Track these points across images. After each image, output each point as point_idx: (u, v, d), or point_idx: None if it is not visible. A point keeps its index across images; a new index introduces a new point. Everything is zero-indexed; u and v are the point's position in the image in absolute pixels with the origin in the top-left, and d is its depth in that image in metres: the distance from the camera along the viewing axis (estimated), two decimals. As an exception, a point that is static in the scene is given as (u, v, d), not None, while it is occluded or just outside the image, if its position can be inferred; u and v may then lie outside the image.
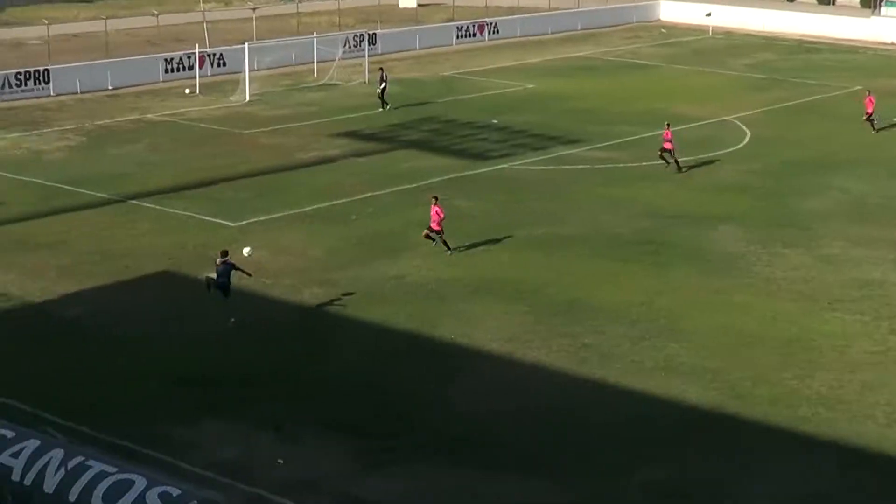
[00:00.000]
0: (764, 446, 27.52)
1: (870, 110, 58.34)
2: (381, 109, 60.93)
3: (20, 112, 59.76)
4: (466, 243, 40.52)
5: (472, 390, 30.03)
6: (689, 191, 47.38)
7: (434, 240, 39.50)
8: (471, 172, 49.76)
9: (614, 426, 28.42)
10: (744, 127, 59.39)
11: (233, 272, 33.57)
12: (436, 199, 39.83)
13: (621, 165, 51.36)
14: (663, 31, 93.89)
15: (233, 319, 33.32)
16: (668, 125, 50.18)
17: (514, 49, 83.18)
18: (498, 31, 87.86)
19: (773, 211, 45.19)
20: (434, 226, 39.39)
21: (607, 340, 32.91)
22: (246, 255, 34.73)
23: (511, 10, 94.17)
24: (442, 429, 28.08)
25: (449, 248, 39.36)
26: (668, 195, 46.75)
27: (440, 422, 28.42)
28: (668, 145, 49.71)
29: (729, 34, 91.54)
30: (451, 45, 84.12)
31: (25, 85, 63.39)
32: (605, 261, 39.34)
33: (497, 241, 41.02)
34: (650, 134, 56.88)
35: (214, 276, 33.50)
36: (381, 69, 62.91)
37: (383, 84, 61.47)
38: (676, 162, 49.94)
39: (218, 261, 33.63)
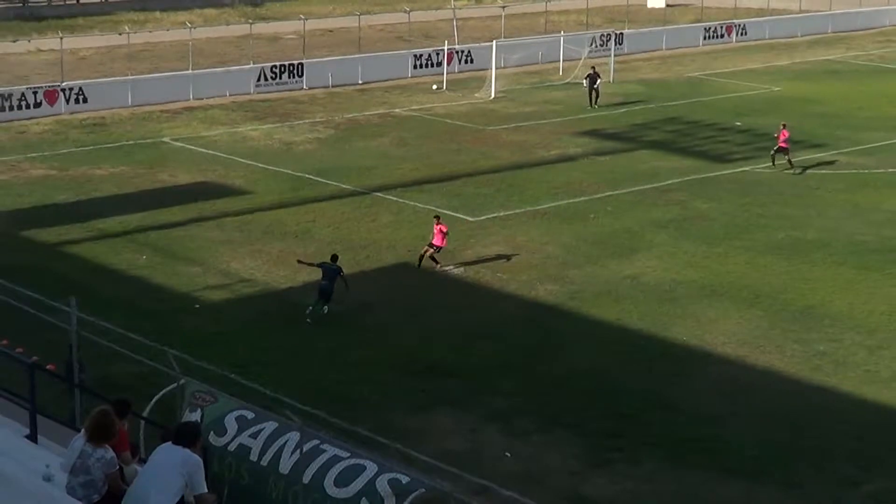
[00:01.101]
0: None
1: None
2: (591, 106, 61.10)
3: (274, 104, 61.36)
4: (703, 245, 40.10)
5: (702, 393, 29.73)
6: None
7: (437, 262, 37.57)
8: (712, 174, 49.19)
9: (847, 435, 27.78)
10: None
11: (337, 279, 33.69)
12: (438, 218, 38.03)
13: (866, 171, 50.11)
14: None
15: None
16: (783, 125, 49.44)
17: (761, 51, 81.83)
18: (746, 33, 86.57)
19: None
20: (438, 242, 37.35)
21: (843, 348, 32.20)
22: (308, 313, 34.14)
23: (760, 12, 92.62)
24: (670, 430, 27.87)
25: (419, 265, 37.51)
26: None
27: (668, 423, 28.22)
28: (783, 144, 49.01)
29: None
30: (699, 45, 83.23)
31: (280, 78, 65.08)
32: (846, 268, 38.46)
33: (735, 243, 40.47)
34: (898, 140, 55.60)
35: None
36: (594, 68, 62.85)
37: (596, 83, 61.45)
38: (789, 161, 49.20)
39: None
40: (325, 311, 33.67)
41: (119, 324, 25.09)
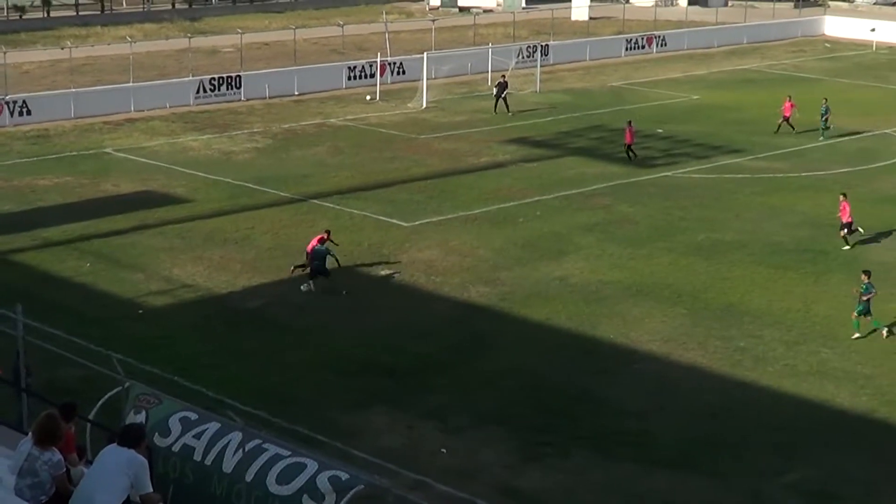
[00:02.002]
0: (914, 452, 26.90)
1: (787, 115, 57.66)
2: (495, 112, 61.57)
3: (213, 115, 61.00)
4: (628, 247, 40.31)
5: (628, 388, 29.86)
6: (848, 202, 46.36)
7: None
8: (635, 179, 49.42)
9: (767, 427, 28.03)
10: (905, 140, 58.07)
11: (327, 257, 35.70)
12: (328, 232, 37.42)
13: (781, 175, 50.54)
14: (827, 45, 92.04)
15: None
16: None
17: (680, 61, 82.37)
18: (666, 44, 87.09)
19: (931, 222, 44.09)
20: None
21: (762, 344, 32.46)
22: (303, 290, 35.63)
23: (679, 24, 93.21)
24: (599, 425, 28.00)
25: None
26: (828, 205, 45.70)
27: (597, 418, 28.34)
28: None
29: (893, 49, 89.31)
30: (621, 56, 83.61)
31: (219, 90, 64.69)
32: (764, 268, 38.78)
33: (658, 245, 40.71)
34: (812, 145, 56.04)
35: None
36: (503, 76, 63.28)
37: (504, 91, 61.94)
38: (631, 154, 51.98)
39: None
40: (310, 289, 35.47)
41: (64, 329, 24.83)
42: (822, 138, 57.04)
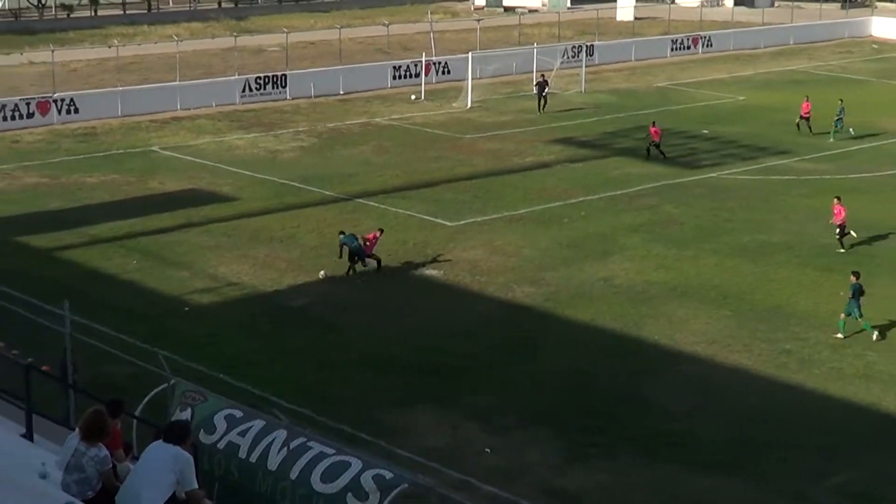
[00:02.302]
0: (962, 457, 26.64)
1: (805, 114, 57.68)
2: (539, 112, 61.68)
3: (259, 114, 61.18)
4: (674, 248, 40.13)
5: (673, 390, 29.72)
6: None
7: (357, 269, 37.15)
8: (680, 180, 49.19)
9: (812, 430, 27.82)
10: (953, 142, 57.53)
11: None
12: (381, 231, 37.95)
13: (828, 177, 50.18)
14: (875, 46, 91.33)
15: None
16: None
17: (726, 62, 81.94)
18: (711, 45, 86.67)
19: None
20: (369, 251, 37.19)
21: (808, 347, 32.22)
22: (321, 276, 36.60)
23: (725, 25, 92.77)
24: (644, 425, 27.87)
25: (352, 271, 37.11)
26: (875, 207, 45.48)
27: (642, 419, 28.21)
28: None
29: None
30: (666, 56, 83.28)
31: (264, 89, 64.88)
32: (810, 269, 38.50)
33: (704, 246, 40.48)
34: (858, 147, 55.63)
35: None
36: (543, 75, 63.48)
37: (545, 90, 62.18)
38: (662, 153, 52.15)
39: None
40: (366, 267, 36.95)
41: (111, 326, 24.96)
42: (831, 139, 56.70)
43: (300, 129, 58.08)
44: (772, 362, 31.26)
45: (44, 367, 23.01)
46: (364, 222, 42.28)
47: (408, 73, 70.09)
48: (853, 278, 33.02)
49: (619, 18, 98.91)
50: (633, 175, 49.85)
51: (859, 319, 32.73)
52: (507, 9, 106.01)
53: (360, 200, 45.21)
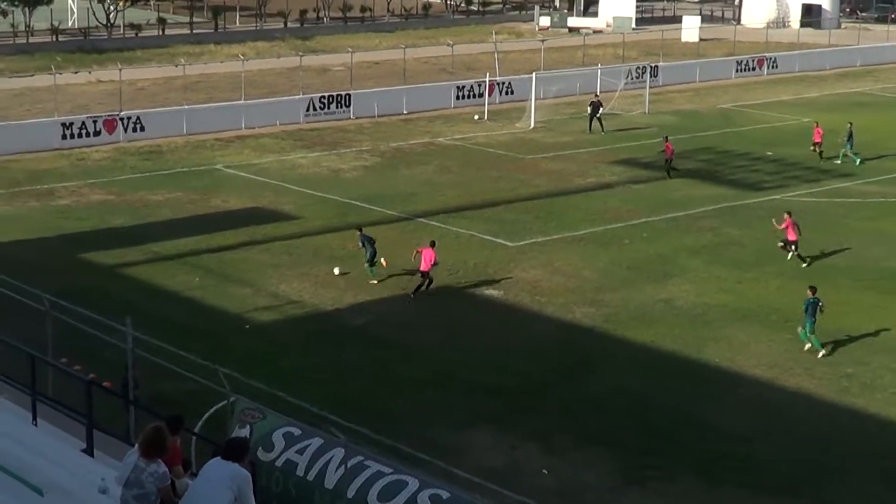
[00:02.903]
0: None
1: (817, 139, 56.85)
2: (590, 132, 61.92)
3: (323, 133, 61.55)
4: (735, 270, 39.93)
5: (733, 413, 29.54)
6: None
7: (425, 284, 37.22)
8: (743, 202, 48.96)
9: (874, 455, 27.54)
10: None
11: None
12: (433, 243, 37.89)
13: (893, 200, 49.75)
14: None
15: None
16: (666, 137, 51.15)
17: (791, 83, 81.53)
18: (777, 66, 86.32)
19: None
20: (424, 268, 36.98)
21: (870, 371, 31.93)
22: (336, 273, 38.66)
23: (790, 46, 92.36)
24: (704, 448, 27.72)
25: (415, 294, 37.05)
26: (940, 231, 45.12)
27: (702, 441, 28.06)
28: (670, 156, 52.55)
29: None
30: (731, 78, 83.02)
31: (328, 108, 65.28)
32: (873, 293, 38.18)
33: (766, 269, 40.25)
34: (925, 169, 55.21)
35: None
36: (597, 96, 63.88)
37: (599, 111, 62.22)
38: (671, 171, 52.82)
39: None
40: (381, 265, 38.66)
41: (173, 343, 25.13)
42: (838, 161, 56.33)
43: (363, 148, 58.35)
44: (833, 386, 31.02)
45: (105, 383, 23.30)
46: (425, 241, 42.33)
47: (471, 94, 70.28)
48: (809, 293, 33.04)
49: (683, 39, 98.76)
50: (694, 197, 49.68)
51: (810, 335, 32.82)
52: (571, 29, 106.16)
53: (422, 220, 45.35)
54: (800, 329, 33.27)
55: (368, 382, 30.80)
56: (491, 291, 37.82)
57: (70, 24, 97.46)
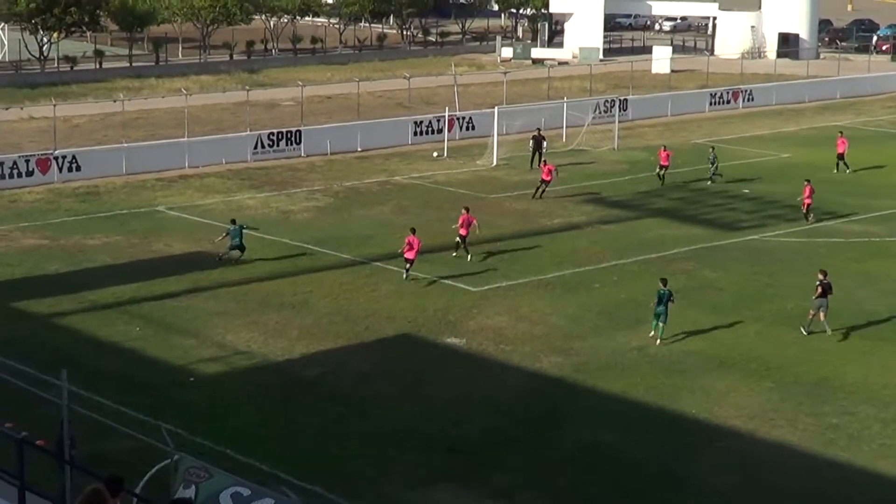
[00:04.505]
0: None
1: (841, 150, 62.83)
2: (530, 168, 62.10)
3: (271, 172, 61.55)
4: (712, 316, 40.09)
5: (711, 468, 29.58)
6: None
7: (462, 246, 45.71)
8: (719, 243, 49.24)
9: (861, 512, 27.67)
10: None
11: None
12: (467, 209, 46.56)
13: (878, 240, 50.15)
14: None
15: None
16: (664, 146, 60.19)
17: (768, 117, 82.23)
18: (753, 99, 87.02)
19: None
20: (463, 231, 45.58)
21: (857, 422, 32.08)
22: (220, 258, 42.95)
23: (767, 78, 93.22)
24: (679, 506, 27.76)
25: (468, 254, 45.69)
26: (928, 272, 45.49)
27: (678, 498, 28.09)
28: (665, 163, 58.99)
29: None
30: (704, 111, 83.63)
31: (278, 145, 65.31)
32: (859, 339, 38.40)
33: (744, 314, 40.44)
34: (910, 207, 55.68)
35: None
36: (539, 130, 63.98)
37: (543, 145, 62.68)
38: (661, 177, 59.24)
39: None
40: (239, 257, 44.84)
41: (112, 398, 25.07)
42: (709, 183, 60.07)
43: (315, 187, 58.38)
44: (817, 438, 31.12)
45: (39, 442, 23.10)
46: (383, 286, 42.46)
47: (430, 129, 70.48)
48: (661, 285, 37.64)
49: (654, 71, 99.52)
50: (668, 237, 49.91)
51: (661, 324, 37.32)
52: (535, 61, 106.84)
53: (378, 264, 45.35)
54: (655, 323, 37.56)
55: (322, 438, 30.68)
56: (453, 340, 37.80)
57: (0, 56, 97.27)
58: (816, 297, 38.31)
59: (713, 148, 63.12)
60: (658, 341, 37.37)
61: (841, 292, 42.67)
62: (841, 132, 63.38)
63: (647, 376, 34.98)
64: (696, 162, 65.20)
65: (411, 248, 42.93)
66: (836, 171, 61.46)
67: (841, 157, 62.75)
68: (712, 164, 60.45)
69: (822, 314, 38.27)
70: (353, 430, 31.18)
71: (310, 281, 43.22)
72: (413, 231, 43.38)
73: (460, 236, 45.74)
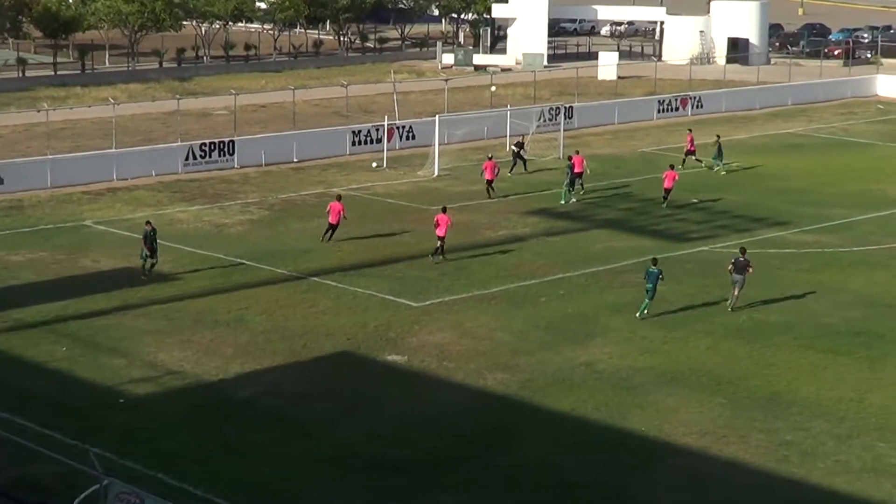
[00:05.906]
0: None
1: (691, 147, 66.56)
2: (510, 173, 63.28)
3: (203, 184, 61.34)
4: (661, 330, 40.29)
5: (662, 487, 29.69)
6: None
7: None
8: (669, 254, 49.40)
9: (817, 531, 27.87)
10: (967, 210, 58.13)
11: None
12: (444, 209, 48.15)
13: (831, 250, 50.58)
14: (880, 106, 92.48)
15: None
16: (689, 130, 63.63)
17: (718, 124, 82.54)
18: (702, 106, 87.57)
19: None
20: (440, 232, 47.11)
21: (811, 438, 32.30)
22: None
23: (717, 84, 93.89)
24: (630, 527, 27.86)
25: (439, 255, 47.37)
26: (883, 283, 45.92)
27: (628, 519, 28.20)
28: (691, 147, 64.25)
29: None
30: (652, 119, 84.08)
31: (210, 156, 65.07)
32: (812, 352, 38.68)
33: (695, 327, 40.66)
34: (863, 217, 56.16)
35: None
36: (523, 136, 66.56)
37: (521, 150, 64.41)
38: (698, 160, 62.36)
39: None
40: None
41: (37, 421, 24.89)
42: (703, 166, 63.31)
43: (249, 200, 58.23)
44: (771, 455, 31.31)
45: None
46: (321, 302, 42.38)
47: (368, 139, 70.46)
48: (651, 264, 41.47)
49: (600, 77, 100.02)
50: (616, 249, 50.12)
51: (647, 300, 41.14)
52: (477, 67, 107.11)
53: (316, 279, 45.28)
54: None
55: (259, 461, 30.56)
56: (394, 357, 37.78)
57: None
58: (732, 273, 42.09)
59: (718, 136, 68.05)
60: (638, 314, 40.98)
61: (794, 304, 43.14)
62: (690, 129, 68.77)
63: (595, 393, 35.10)
64: (647, 171, 65.57)
65: (438, 225, 46.91)
66: (682, 165, 63.99)
67: (691, 153, 66.52)
68: (719, 153, 64.70)
69: (735, 289, 42.05)
70: (292, 452, 31.09)
71: (245, 297, 43.09)
72: (444, 210, 48.02)
73: (439, 237, 47.43)
